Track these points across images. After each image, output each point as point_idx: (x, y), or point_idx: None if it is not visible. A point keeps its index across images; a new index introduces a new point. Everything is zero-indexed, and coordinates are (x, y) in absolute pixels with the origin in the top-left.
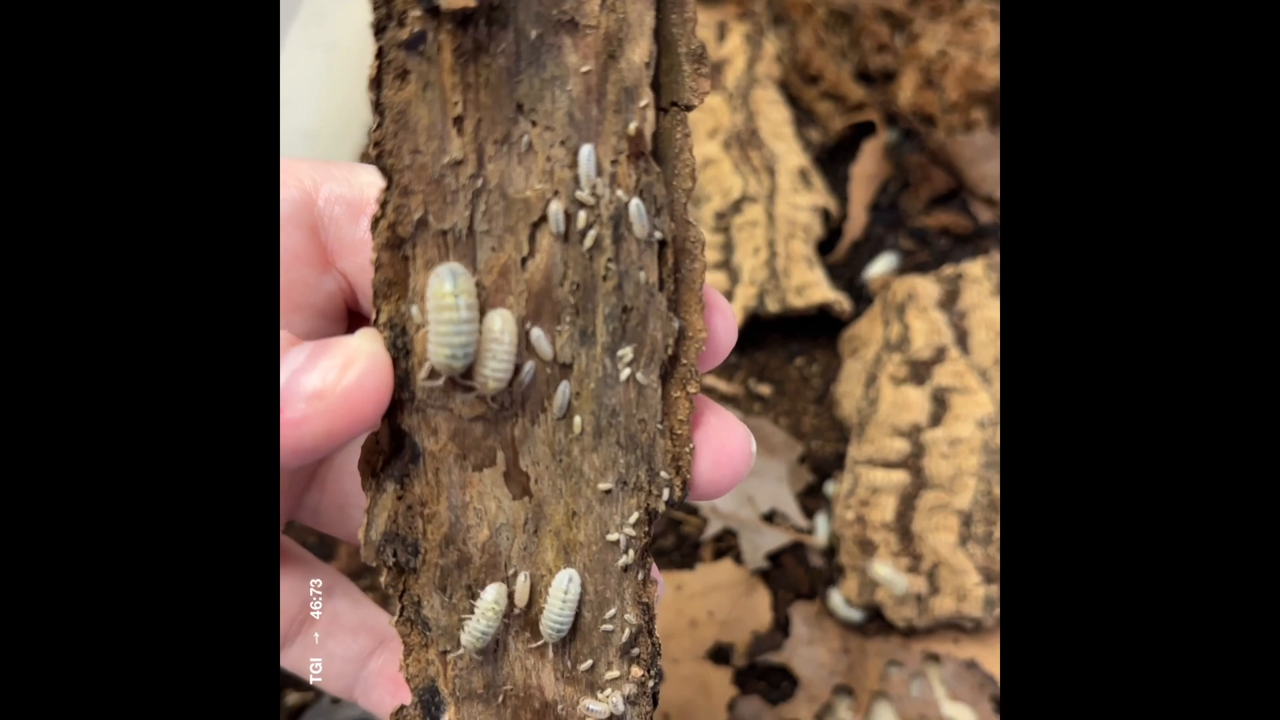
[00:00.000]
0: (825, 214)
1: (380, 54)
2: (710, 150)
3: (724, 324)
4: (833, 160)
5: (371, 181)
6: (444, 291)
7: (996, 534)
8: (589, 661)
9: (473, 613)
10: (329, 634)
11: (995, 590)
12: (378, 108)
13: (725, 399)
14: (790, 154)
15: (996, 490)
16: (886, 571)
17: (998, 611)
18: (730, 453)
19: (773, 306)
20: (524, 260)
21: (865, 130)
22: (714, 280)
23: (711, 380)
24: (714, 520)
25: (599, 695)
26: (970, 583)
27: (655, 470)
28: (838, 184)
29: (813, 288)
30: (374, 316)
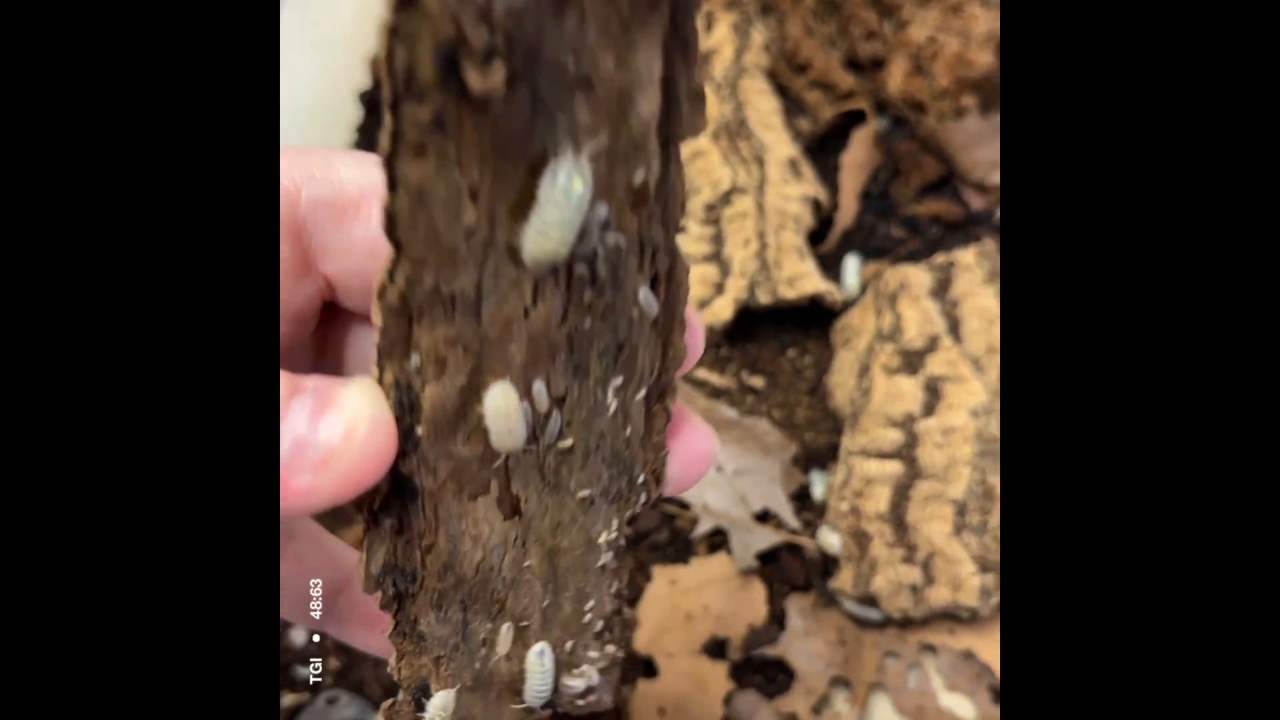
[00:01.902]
0: (816, 204)
1: (396, 128)
2: (699, 142)
3: (695, 339)
4: (822, 149)
5: (353, 178)
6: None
7: (991, 523)
8: (570, 643)
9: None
10: (294, 576)
11: (990, 579)
12: (392, 183)
13: (718, 392)
14: (779, 144)
15: (990, 479)
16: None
17: (994, 601)
18: (698, 453)
19: (764, 298)
20: (526, 311)
21: (855, 119)
22: (704, 273)
23: (704, 373)
24: (705, 518)
25: (574, 672)
26: (965, 572)
27: (635, 480)
28: (828, 173)
29: (804, 278)
30: (377, 375)
